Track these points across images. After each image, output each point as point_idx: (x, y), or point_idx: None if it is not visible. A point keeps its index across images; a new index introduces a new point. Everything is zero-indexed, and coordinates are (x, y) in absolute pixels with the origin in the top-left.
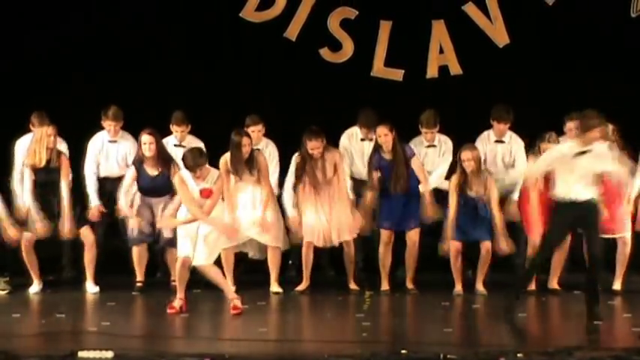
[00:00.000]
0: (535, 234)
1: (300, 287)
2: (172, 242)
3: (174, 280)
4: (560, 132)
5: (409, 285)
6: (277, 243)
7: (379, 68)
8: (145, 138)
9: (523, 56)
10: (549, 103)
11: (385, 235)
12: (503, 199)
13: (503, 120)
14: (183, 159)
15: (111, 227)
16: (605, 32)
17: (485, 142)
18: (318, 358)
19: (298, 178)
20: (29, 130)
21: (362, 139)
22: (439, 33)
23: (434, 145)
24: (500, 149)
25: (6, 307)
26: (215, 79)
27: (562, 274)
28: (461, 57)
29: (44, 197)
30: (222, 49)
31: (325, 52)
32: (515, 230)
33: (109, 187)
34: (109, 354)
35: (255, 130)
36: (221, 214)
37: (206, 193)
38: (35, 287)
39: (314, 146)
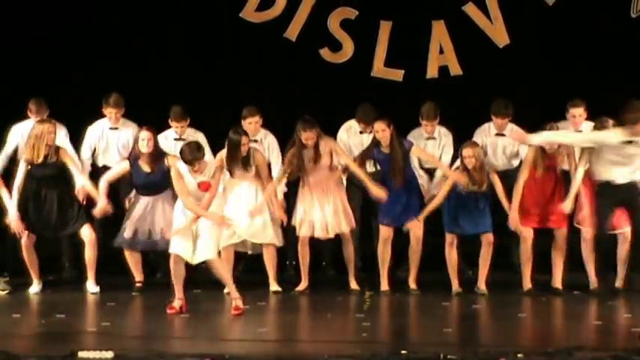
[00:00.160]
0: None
1: (300, 287)
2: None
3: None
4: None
5: (412, 285)
6: (271, 240)
7: (379, 68)
8: (144, 134)
9: (523, 56)
10: (549, 103)
11: (385, 231)
12: None
13: (500, 114)
14: (181, 153)
15: (112, 226)
16: (605, 32)
17: (486, 135)
18: (318, 359)
19: (289, 168)
20: (26, 117)
21: (360, 132)
22: (439, 33)
23: (433, 138)
24: (500, 142)
25: (6, 307)
26: (215, 79)
27: (563, 274)
28: (461, 57)
29: (37, 191)
30: (222, 49)
31: (325, 53)
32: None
33: None
34: (109, 354)
35: (253, 122)
36: (218, 209)
37: (204, 186)
38: (35, 287)
39: (308, 137)
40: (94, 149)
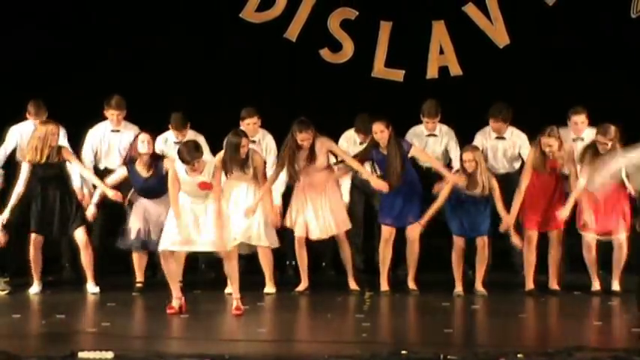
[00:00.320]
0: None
1: (300, 288)
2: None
3: (180, 281)
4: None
5: (411, 285)
6: (265, 242)
7: (379, 69)
8: (143, 136)
9: (523, 56)
10: (549, 103)
11: (386, 231)
12: None
13: (494, 118)
14: (179, 153)
15: (113, 226)
16: (605, 32)
17: (487, 137)
18: (318, 359)
19: (280, 169)
20: (25, 118)
21: (360, 143)
22: (439, 33)
23: (434, 135)
24: (501, 145)
25: (6, 308)
26: (215, 80)
27: (562, 274)
28: (461, 58)
29: (44, 192)
30: (222, 49)
31: (325, 53)
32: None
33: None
34: (109, 354)
35: (251, 123)
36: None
37: (204, 186)
38: (35, 288)
39: (304, 138)
40: (96, 152)
